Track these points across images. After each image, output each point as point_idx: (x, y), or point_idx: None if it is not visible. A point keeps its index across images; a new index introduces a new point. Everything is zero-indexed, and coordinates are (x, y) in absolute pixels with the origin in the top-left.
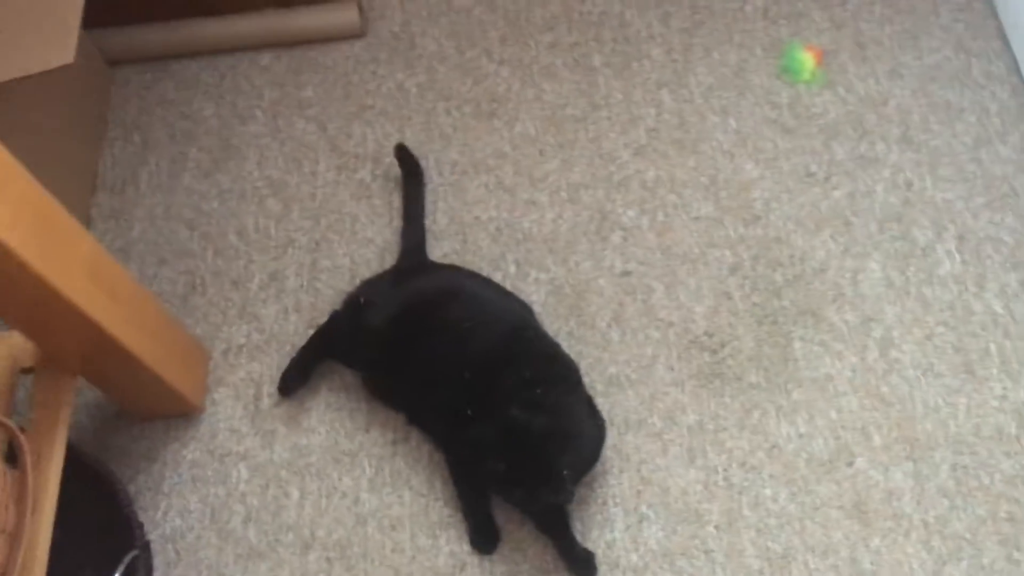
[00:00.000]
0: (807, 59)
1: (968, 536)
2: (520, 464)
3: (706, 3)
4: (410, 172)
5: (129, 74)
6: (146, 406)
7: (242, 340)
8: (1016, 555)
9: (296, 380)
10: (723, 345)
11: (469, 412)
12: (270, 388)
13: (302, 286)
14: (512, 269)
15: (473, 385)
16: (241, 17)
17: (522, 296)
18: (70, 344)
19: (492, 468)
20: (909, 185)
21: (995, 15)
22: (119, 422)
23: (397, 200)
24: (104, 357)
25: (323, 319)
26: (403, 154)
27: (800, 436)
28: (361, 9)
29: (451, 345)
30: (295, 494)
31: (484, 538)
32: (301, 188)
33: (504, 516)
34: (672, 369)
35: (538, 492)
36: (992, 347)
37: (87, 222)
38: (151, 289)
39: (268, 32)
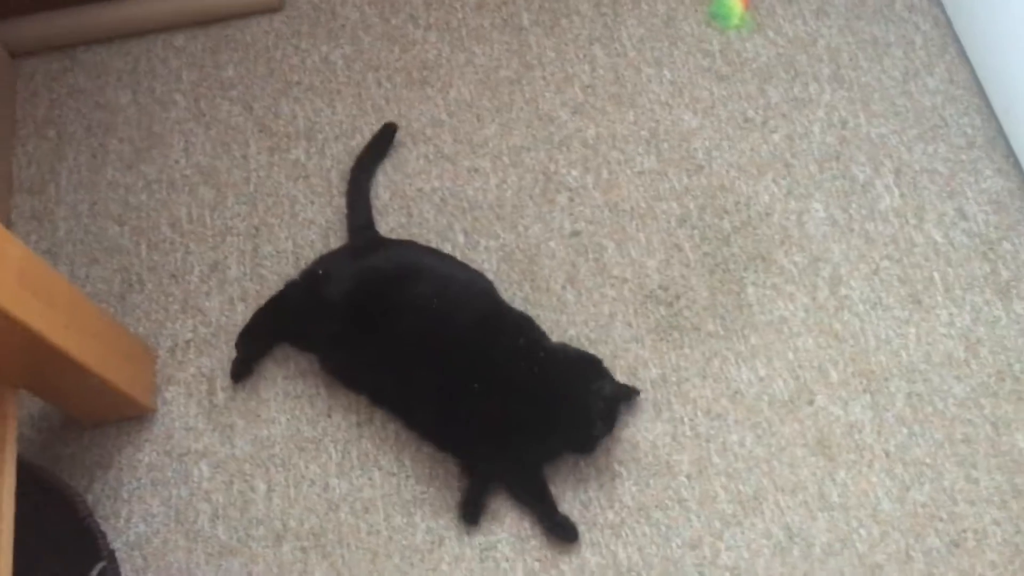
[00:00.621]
0: (735, 4)
1: (928, 461)
2: (558, 414)
3: None
4: (377, 149)
5: (35, 66)
6: (95, 412)
7: (188, 335)
8: (974, 474)
9: (249, 348)
10: (678, 297)
11: (476, 386)
12: (223, 381)
13: (245, 274)
14: (461, 239)
15: (465, 361)
16: None
17: (474, 265)
18: (9, 356)
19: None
20: (844, 123)
21: None
22: (68, 431)
23: (336, 177)
24: (46, 366)
25: None
26: (387, 132)
27: (760, 380)
28: None
29: (422, 324)
30: (262, 487)
31: (476, 510)
32: (233, 173)
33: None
34: (630, 325)
35: (580, 446)
36: (936, 276)
37: (7, 226)
38: (85, 291)
39: (181, 11)
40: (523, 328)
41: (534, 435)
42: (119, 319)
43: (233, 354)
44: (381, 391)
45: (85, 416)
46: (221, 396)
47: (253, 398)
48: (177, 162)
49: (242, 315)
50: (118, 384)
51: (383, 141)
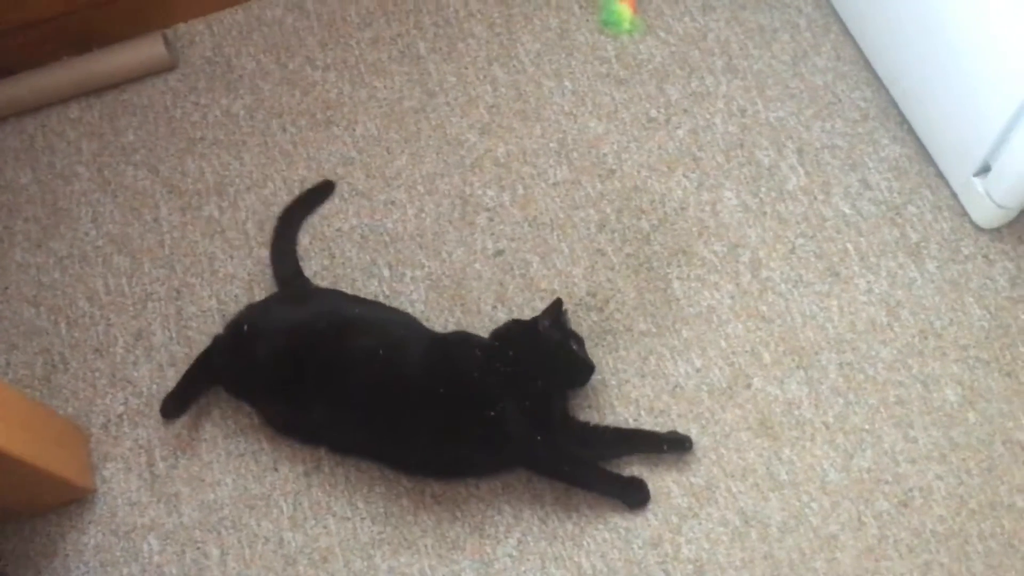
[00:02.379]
0: (623, 9)
1: (867, 427)
2: (563, 373)
3: None
4: (308, 203)
5: None
6: (31, 502)
7: (120, 408)
8: (912, 433)
9: (178, 406)
10: (607, 301)
11: (491, 413)
12: (163, 451)
13: (171, 338)
14: (386, 273)
15: (451, 395)
16: (39, 72)
17: (402, 297)
18: None
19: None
20: (743, 111)
21: None
22: (6, 525)
23: (252, 228)
24: None
25: None
26: (323, 187)
27: (697, 371)
28: (167, 40)
29: (377, 370)
30: (215, 552)
31: (635, 485)
32: (147, 238)
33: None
34: None
35: (581, 376)
36: (849, 246)
37: None
38: (6, 378)
39: (72, 82)
40: (468, 340)
41: (540, 409)
42: (46, 402)
43: (168, 422)
44: (349, 442)
45: (22, 507)
46: (162, 466)
47: (195, 463)
48: (87, 234)
49: (173, 380)
50: (52, 470)
51: (316, 196)
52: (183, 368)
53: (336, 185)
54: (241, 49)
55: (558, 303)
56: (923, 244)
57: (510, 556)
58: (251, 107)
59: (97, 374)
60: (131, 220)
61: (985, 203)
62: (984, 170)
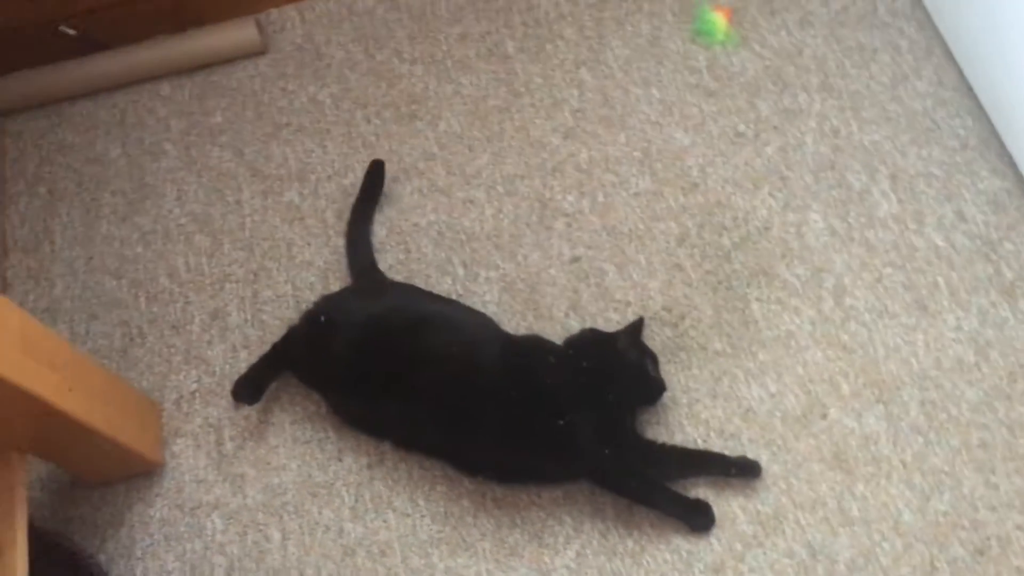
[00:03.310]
0: (718, 19)
1: (946, 469)
2: (635, 390)
3: None
4: (372, 189)
5: (21, 123)
6: (103, 471)
7: (193, 386)
8: (993, 479)
9: (251, 393)
10: (683, 317)
11: (561, 422)
12: (231, 431)
13: (246, 320)
14: (460, 271)
15: (522, 400)
16: (133, 49)
17: (475, 296)
18: (16, 423)
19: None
20: (836, 132)
21: None
22: (77, 492)
23: (331, 217)
24: (53, 430)
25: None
26: (376, 169)
27: (772, 396)
28: (260, 25)
29: (449, 369)
30: (276, 536)
31: (700, 509)
32: (228, 219)
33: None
34: None
35: (651, 395)
36: (940, 280)
37: (3, 287)
38: (85, 347)
39: (165, 61)
40: (542, 345)
41: (609, 422)
42: (122, 374)
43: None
44: (415, 438)
45: (94, 476)
46: (230, 446)
47: (262, 446)
48: (171, 212)
49: (246, 362)
50: (125, 442)
51: (375, 179)
52: (256, 350)
53: (385, 162)
54: (331, 37)
55: (640, 322)
56: (1018, 283)
57: (567, 568)
58: (337, 96)
59: (173, 350)
60: (214, 200)
61: None
62: None
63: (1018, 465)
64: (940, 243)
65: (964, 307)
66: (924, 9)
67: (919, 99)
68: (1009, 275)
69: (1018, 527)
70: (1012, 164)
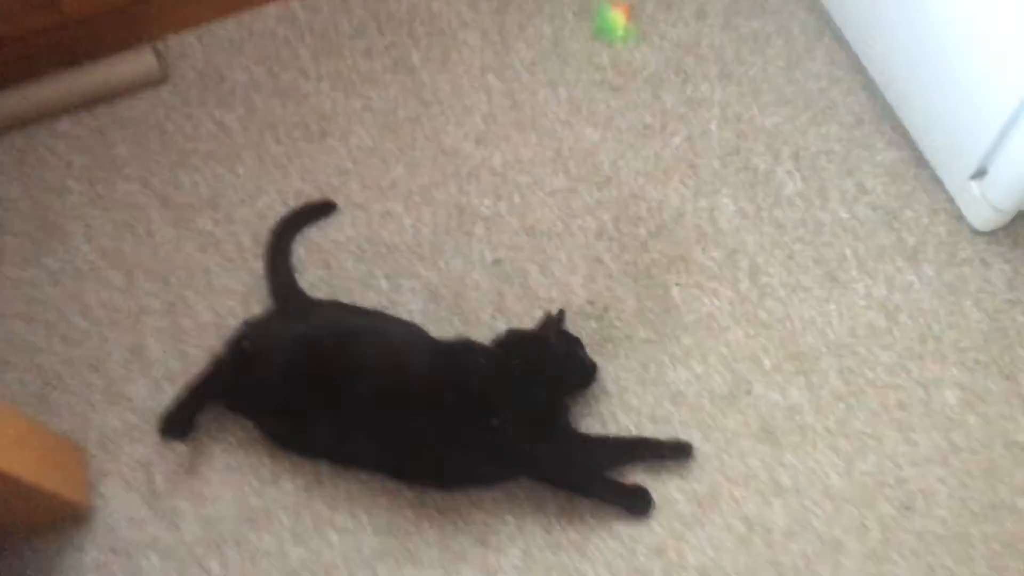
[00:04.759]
0: (617, 17)
1: (868, 431)
2: (570, 377)
3: None
4: (302, 218)
5: None
6: (27, 521)
7: (116, 424)
8: (913, 436)
9: (180, 428)
10: (607, 309)
11: (495, 421)
12: (161, 466)
13: (168, 353)
14: (384, 284)
15: (455, 403)
16: (27, 86)
17: (400, 307)
18: None
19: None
20: (739, 117)
21: None
22: (3, 543)
23: (247, 241)
24: None
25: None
26: (322, 205)
27: (698, 378)
28: (158, 53)
29: (381, 380)
30: (216, 568)
31: (638, 494)
32: (140, 251)
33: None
34: None
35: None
36: (847, 251)
37: None
38: (1, 397)
39: (62, 97)
40: (471, 348)
41: (543, 417)
42: (41, 419)
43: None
44: (352, 453)
45: (19, 526)
46: (160, 481)
47: (194, 478)
48: (79, 249)
49: (170, 395)
50: (48, 488)
51: (315, 212)
52: (180, 383)
53: (336, 205)
54: (233, 61)
55: (560, 313)
56: (920, 248)
57: (514, 567)
58: (244, 119)
59: (93, 390)
60: (124, 234)
61: (981, 207)
62: (980, 174)
63: (935, 421)
64: (844, 216)
65: (872, 275)
66: None
67: (814, 80)
68: (911, 241)
69: (940, 480)
70: (906, 136)
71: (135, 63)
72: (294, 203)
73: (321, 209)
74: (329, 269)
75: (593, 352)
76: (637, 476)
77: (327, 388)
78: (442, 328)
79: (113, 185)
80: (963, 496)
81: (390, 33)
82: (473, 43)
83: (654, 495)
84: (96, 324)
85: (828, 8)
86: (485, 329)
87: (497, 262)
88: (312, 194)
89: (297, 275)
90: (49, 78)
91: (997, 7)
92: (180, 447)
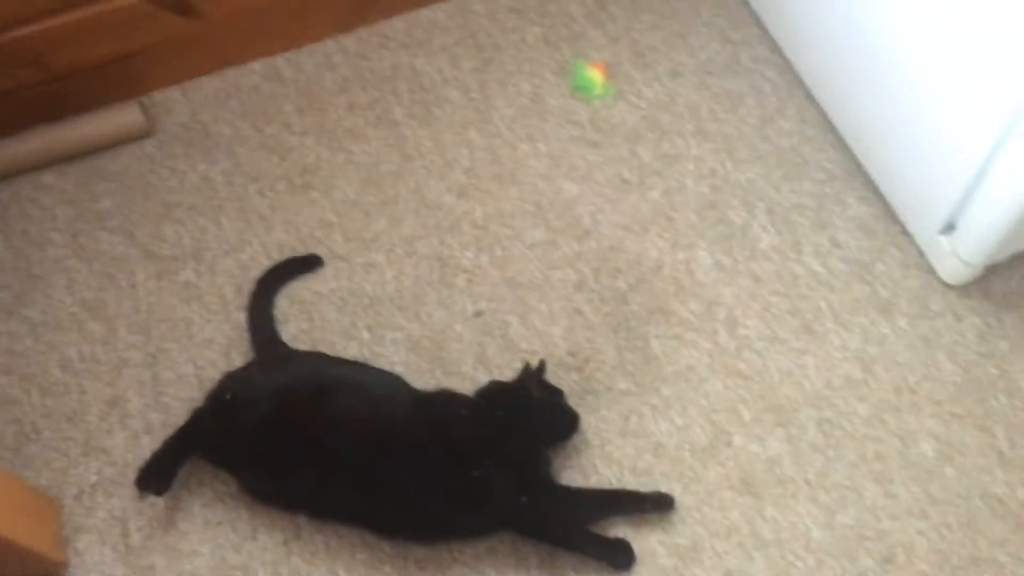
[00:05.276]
0: (595, 75)
1: (847, 483)
2: (552, 428)
3: (489, 40)
4: (287, 270)
5: None
6: None
7: (93, 478)
8: (892, 488)
9: (159, 482)
10: (587, 361)
11: (476, 473)
12: (137, 521)
13: (148, 405)
14: (366, 335)
15: (435, 454)
16: (11, 141)
17: (382, 359)
18: None
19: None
20: (714, 173)
21: (747, 3)
22: None
23: (230, 293)
24: None
25: None
26: (308, 260)
27: (679, 429)
28: (144, 107)
29: (360, 433)
30: None
31: (620, 547)
32: (122, 303)
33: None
34: None
35: (569, 428)
36: (822, 304)
37: None
38: None
39: (47, 150)
40: (453, 399)
41: (525, 469)
42: (17, 472)
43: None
44: (332, 506)
45: None
46: (136, 536)
47: (171, 533)
48: (61, 301)
49: (149, 448)
50: (21, 542)
51: (300, 266)
52: (160, 435)
53: (323, 260)
54: (218, 115)
55: (541, 364)
56: (893, 301)
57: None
58: (228, 172)
59: (70, 443)
60: (106, 286)
61: (952, 261)
62: (949, 228)
63: (913, 473)
64: (819, 269)
65: (847, 327)
66: (782, 54)
67: (786, 137)
68: (884, 294)
69: (920, 532)
70: (876, 191)
71: (121, 117)
72: (278, 255)
73: (307, 263)
74: (311, 321)
75: (575, 403)
76: (619, 529)
77: (307, 440)
78: (424, 379)
79: (96, 237)
80: (943, 549)
81: (373, 89)
82: (455, 100)
83: (636, 548)
84: (75, 376)
85: (798, 68)
86: (467, 380)
87: (478, 314)
88: (295, 246)
89: (279, 326)
90: (34, 132)
91: (960, 65)
92: (157, 502)
